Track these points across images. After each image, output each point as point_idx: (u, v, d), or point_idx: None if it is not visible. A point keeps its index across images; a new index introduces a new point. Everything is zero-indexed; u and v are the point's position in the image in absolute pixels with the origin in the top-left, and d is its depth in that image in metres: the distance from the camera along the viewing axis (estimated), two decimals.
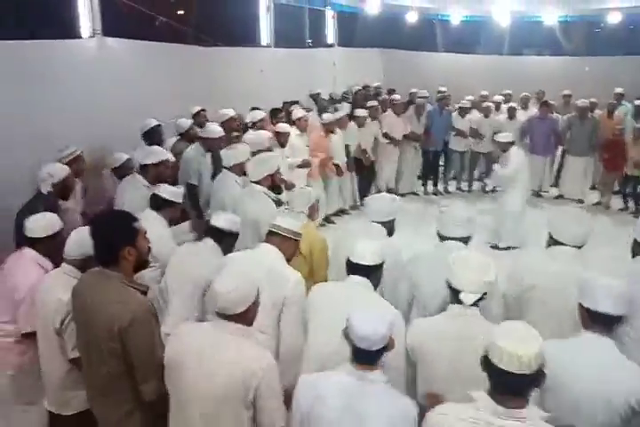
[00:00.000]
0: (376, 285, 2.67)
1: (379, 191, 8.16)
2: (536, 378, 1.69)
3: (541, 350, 1.69)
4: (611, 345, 2.21)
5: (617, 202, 8.14)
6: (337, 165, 6.90)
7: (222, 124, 5.63)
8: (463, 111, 8.45)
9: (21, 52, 4.58)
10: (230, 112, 5.97)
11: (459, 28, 13.02)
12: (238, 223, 3.18)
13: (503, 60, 12.46)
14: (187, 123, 5.69)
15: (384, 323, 1.95)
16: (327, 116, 6.89)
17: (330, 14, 11.12)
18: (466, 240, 3.01)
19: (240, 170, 4.40)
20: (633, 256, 2.95)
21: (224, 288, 2.04)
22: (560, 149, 8.62)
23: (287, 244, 2.85)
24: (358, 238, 2.73)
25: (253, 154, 4.60)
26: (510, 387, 1.71)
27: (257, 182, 4.01)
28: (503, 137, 6.73)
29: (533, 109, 8.72)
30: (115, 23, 6.02)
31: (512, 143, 6.65)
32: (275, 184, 4.21)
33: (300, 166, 6.14)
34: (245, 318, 2.11)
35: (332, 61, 10.61)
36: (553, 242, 2.93)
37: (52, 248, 3.01)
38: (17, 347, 3.02)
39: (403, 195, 8.41)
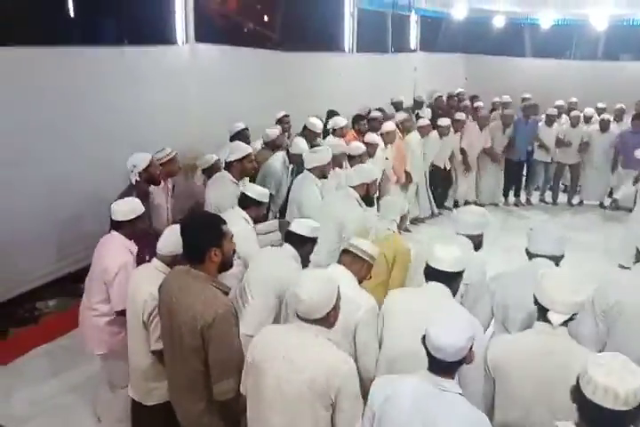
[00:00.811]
0: (455, 292, 2.62)
1: (455, 202, 8.03)
2: (634, 414, 1.58)
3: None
4: None
5: None
6: (407, 173, 6.79)
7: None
8: (550, 120, 8.09)
9: (123, 58, 4.90)
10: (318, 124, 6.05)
11: (548, 33, 12.45)
12: (317, 229, 3.22)
13: (596, 65, 11.79)
14: (274, 132, 5.67)
15: (464, 335, 1.89)
16: (401, 116, 6.93)
17: (414, 19, 11.01)
18: (557, 260, 2.87)
19: (320, 172, 4.52)
20: None
21: (306, 294, 2.07)
22: None
23: (359, 265, 2.81)
24: (438, 244, 2.68)
25: (334, 158, 4.70)
26: (602, 422, 1.60)
27: (352, 188, 4.10)
28: None
29: (629, 122, 8.20)
30: (206, 29, 6.28)
31: None
32: (368, 195, 4.22)
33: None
34: (327, 321, 2.14)
35: (414, 66, 10.50)
36: None
37: (134, 231, 3.27)
38: (109, 328, 3.26)
39: (482, 205, 8.17)
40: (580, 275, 2.38)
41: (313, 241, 3.20)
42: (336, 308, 2.16)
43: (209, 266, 2.36)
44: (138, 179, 3.99)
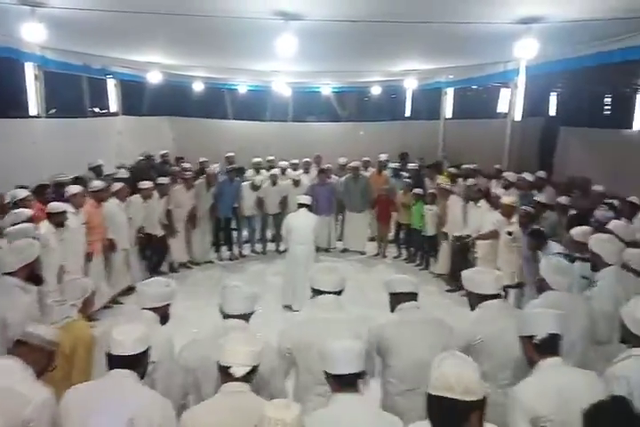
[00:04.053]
0: (143, 374, 2.49)
1: (171, 266, 7.99)
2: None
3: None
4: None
5: (393, 251, 9.08)
6: (110, 240, 6.51)
7: None
8: (255, 187, 8.71)
9: None
10: None
11: (247, 97, 13.81)
12: None
13: (288, 126, 13.43)
14: None
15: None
16: (97, 183, 6.54)
17: (112, 82, 10.92)
18: (247, 317, 2.93)
19: None
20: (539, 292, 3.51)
21: None
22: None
23: (37, 354, 2.52)
24: (117, 326, 2.52)
25: None
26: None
27: (10, 274, 3.57)
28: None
29: (315, 172, 9.43)
30: None
31: None
32: (34, 274, 3.78)
33: None
34: None
35: (117, 130, 10.34)
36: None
37: None
38: None
39: (198, 264, 8.34)
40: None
41: None
42: None
43: None
44: None
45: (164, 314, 3.15)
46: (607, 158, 10.02)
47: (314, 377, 2.86)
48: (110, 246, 6.52)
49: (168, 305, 3.18)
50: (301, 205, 6.86)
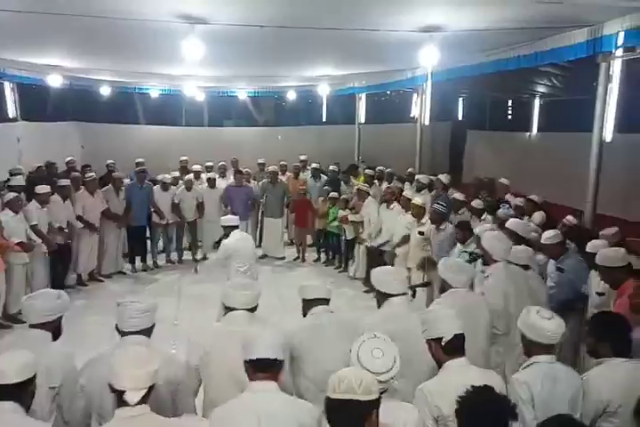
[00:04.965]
0: (28, 407, 2.30)
1: (79, 276, 7.58)
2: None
3: None
4: None
5: (313, 255, 9.13)
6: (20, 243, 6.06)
7: None
8: (165, 186, 8.50)
9: None
10: None
11: (160, 102, 13.37)
12: None
13: (205, 131, 13.19)
14: None
15: None
16: None
17: (8, 86, 10.20)
18: (149, 332, 2.78)
19: None
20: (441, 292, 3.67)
21: None
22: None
23: None
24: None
25: None
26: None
27: None
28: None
29: (231, 177, 9.29)
30: None
31: None
32: None
33: None
34: None
35: (16, 137, 9.67)
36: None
37: None
38: None
39: (108, 276, 7.97)
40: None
41: None
42: None
43: None
44: None
45: (55, 329, 2.95)
46: (510, 159, 10.70)
47: (222, 392, 2.79)
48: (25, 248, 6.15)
49: (60, 318, 2.98)
50: (231, 228, 5.81)
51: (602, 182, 5.38)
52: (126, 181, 8.43)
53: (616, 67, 5.18)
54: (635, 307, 3.25)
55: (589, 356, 2.97)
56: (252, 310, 3.16)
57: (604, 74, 5.22)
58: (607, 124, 5.29)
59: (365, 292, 7.37)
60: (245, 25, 5.15)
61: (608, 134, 5.32)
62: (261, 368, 2.36)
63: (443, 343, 2.55)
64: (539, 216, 5.93)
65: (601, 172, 5.35)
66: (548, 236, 4.55)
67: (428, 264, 5.85)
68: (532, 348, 2.72)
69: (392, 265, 6.16)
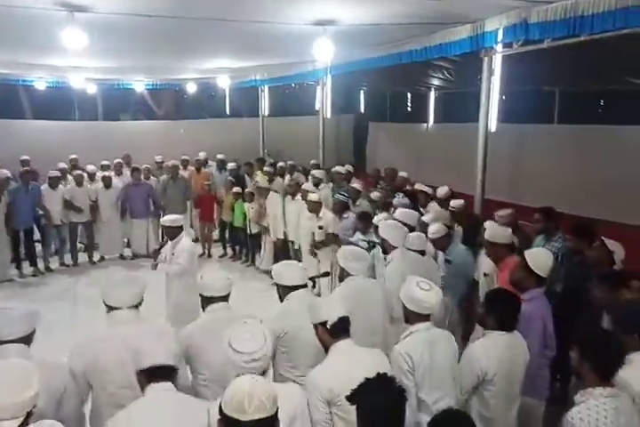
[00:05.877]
0: None
1: None
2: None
3: None
4: None
5: (218, 250, 8.98)
6: None
7: None
8: (54, 182, 7.96)
9: None
10: None
11: (48, 95, 12.44)
12: None
13: (99, 125, 12.48)
14: None
15: None
16: None
17: None
18: (27, 339, 2.58)
19: None
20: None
21: None
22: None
23: None
24: None
25: None
26: None
27: None
28: None
29: (127, 174, 8.86)
30: None
31: None
32: None
33: None
34: None
35: None
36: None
37: None
38: None
39: None
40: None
41: None
42: None
43: None
44: None
45: None
46: (409, 149, 11.11)
47: (109, 397, 2.65)
48: None
49: None
50: (179, 229, 5.14)
51: (489, 169, 5.72)
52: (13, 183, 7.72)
53: (497, 61, 5.51)
54: (512, 281, 3.50)
55: (479, 326, 3.16)
56: (137, 306, 2.99)
57: (487, 68, 5.54)
58: (491, 114, 5.63)
59: (274, 284, 7.34)
60: (131, 14, 4.90)
61: (492, 124, 5.66)
62: (160, 376, 2.26)
63: (328, 326, 2.60)
64: (434, 206, 6.20)
65: (487, 159, 5.69)
66: (433, 231, 4.71)
67: (327, 240, 6.07)
68: (411, 316, 2.85)
69: (299, 260, 6.20)
